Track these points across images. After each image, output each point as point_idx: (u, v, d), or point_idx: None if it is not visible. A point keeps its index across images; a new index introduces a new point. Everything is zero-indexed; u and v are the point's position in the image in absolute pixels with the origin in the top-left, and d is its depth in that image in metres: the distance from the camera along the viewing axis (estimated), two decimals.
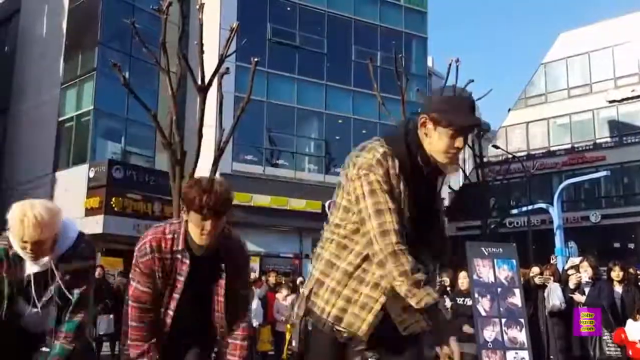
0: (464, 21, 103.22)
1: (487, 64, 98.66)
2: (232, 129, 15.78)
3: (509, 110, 32.79)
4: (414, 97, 21.84)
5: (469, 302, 7.26)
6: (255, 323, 9.23)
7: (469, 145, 28.34)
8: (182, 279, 2.53)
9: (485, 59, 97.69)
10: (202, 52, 14.72)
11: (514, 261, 7.24)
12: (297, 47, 22.96)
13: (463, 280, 7.62)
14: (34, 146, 20.75)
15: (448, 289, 8.37)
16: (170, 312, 2.58)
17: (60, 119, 20.40)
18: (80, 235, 2.80)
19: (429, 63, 27.97)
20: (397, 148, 2.20)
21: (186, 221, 2.48)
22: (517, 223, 27.22)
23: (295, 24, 23.21)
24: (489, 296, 6.99)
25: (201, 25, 15.11)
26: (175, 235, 2.51)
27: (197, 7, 15.54)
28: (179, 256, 2.51)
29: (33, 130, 21.01)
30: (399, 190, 2.13)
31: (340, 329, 2.17)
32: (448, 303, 7.70)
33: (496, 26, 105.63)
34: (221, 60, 15.22)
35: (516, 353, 6.86)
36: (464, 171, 29.83)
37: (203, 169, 15.58)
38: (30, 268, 2.67)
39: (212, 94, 15.41)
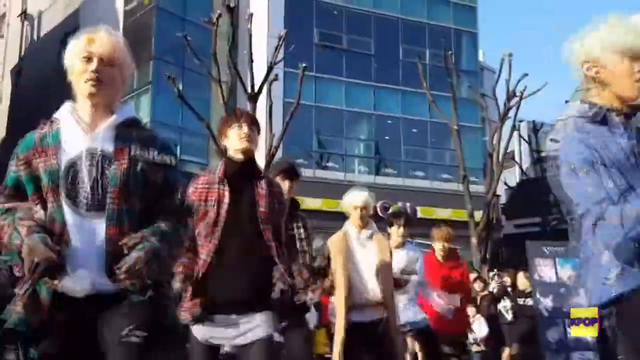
0: (514, 13, 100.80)
1: (541, 56, 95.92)
2: (282, 134, 15.98)
3: (567, 101, 31.70)
4: (465, 93, 21.48)
5: (530, 302, 7.09)
6: (310, 325, 9.29)
7: (525, 140, 27.68)
8: (223, 210, 2.58)
9: (538, 50, 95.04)
10: (251, 60, 14.99)
11: (577, 260, 6.99)
12: (345, 50, 22.99)
13: (524, 281, 7.45)
14: None
15: (509, 289, 8.20)
16: (213, 246, 2.53)
17: None
18: None
19: (480, 58, 27.41)
20: None
21: (224, 155, 2.76)
22: None
23: (342, 27, 23.25)
24: (551, 296, 6.80)
25: (250, 34, 15.38)
26: (212, 170, 2.74)
27: (247, 17, 15.85)
28: (218, 186, 2.63)
29: None
30: None
31: None
32: (509, 304, 7.54)
33: (548, 15, 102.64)
34: (270, 68, 15.44)
35: (581, 354, 6.64)
36: (520, 167, 29.08)
37: None
38: (76, 145, 1.85)
39: (261, 101, 15.66)
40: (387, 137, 23.29)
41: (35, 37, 27.42)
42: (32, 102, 24.63)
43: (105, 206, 1.79)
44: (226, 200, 2.60)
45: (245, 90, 15.14)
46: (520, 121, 22.01)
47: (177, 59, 19.83)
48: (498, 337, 7.72)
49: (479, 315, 7.63)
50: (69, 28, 25.06)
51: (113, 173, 1.81)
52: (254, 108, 15.06)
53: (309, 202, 21.17)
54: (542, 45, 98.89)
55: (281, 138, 16.07)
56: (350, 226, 4.14)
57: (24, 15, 28.07)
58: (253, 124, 2.77)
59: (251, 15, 15.94)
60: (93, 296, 1.76)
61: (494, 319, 7.73)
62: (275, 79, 15.83)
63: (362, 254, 4.06)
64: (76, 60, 1.93)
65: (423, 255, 5.22)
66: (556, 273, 6.89)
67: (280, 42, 15.86)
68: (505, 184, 25.11)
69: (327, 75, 22.17)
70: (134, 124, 1.94)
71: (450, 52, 18.59)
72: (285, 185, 3.55)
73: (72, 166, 1.82)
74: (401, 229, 4.94)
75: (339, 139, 23.04)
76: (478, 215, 17.68)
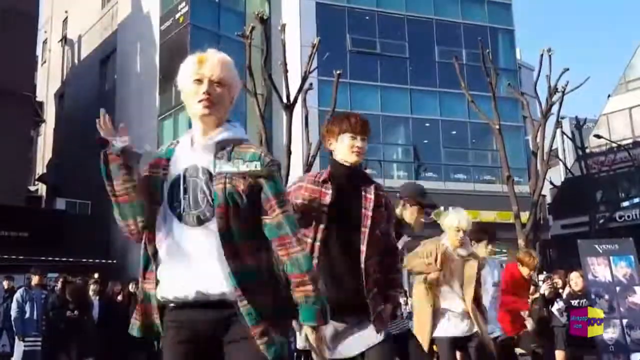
0: (551, 8, 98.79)
1: (581, 50, 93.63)
2: (319, 143, 15.98)
3: (609, 96, 30.81)
4: (504, 92, 21.09)
5: (585, 303, 6.83)
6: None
7: (569, 137, 26.97)
8: (326, 210, 2.54)
9: (578, 45, 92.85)
10: (286, 71, 15.07)
11: (632, 257, 6.75)
12: (378, 54, 22.91)
13: (577, 281, 7.17)
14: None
15: (560, 291, 7.93)
16: (317, 249, 2.49)
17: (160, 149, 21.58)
18: None
19: (517, 55, 26.92)
20: None
21: (331, 159, 2.72)
22: (629, 216, 25.37)
23: (375, 31, 23.19)
24: (607, 296, 6.56)
25: (284, 45, 15.47)
26: (319, 173, 2.71)
27: (279, 28, 15.97)
28: (323, 188, 2.60)
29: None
30: None
31: None
32: (562, 306, 7.27)
33: (587, 9, 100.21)
34: (305, 77, 15.50)
35: None
36: (565, 165, 28.33)
37: None
38: (184, 160, 1.93)
39: (297, 110, 15.71)
40: (425, 141, 23.05)
41: (75, 60, 28.29)
42: (76, 123, 25.40)
43: (206, 221, 1.84)
44: (330, 200, 2.56)
45: (281, 100, 15.22)
46: (562, 118, 21.47)
47: None
48: (550, 341, 7.45)
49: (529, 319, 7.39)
50: (107, 50, 25.77)
51: (217, 190, 1.84)
52: (290, 118, 15.12)
53: None
54: (579, 40, 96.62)
55: (318, 147, 16.07)
56: (447, 242, 4.34)
57: (64, 40, 29.01)
58: (366, 134, 2.70)
59: (284, 25, 16.06)
60: (198, 302, 1.82)
61: (545, 322, 7.47)
62: (310, 87, 15.87)
63: (456, 269, 4.23)
64: (188, 82, 2.01)
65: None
66: (611, 271, 6.65)
67: (314, 51, 15.90)
68: (551, 182, 24.48)
69: (361, 81, 22.12)
70: (237, 141, 1.97)
71: (487, 50, 18.31)
72: (413, 211, 3.65)
73: (177, 181, 1.90)
74: (489, 247, 5.14)
75: (377, 145, 22.89)
76: (524, 216, 17.25)
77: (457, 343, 4.10)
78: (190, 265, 1.81)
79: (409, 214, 3.63)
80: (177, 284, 1.82)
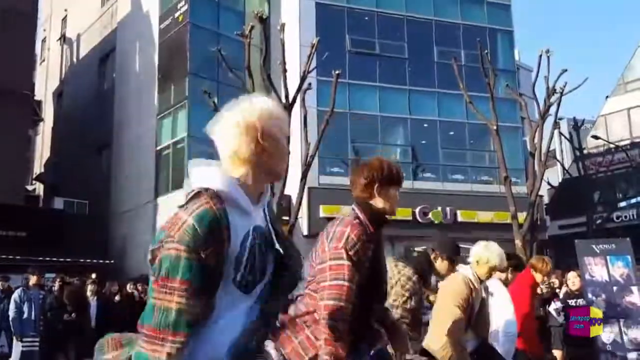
0: (550, 9, 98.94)
1: (579, 52, 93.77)
2: (318, 143, 16.01)
3: (607, 97, 30.89)
4: (502, 92, 21.13)
5: (581, 303, 6.85)
6: None
7: (566, 138, 27.01)
8: (367, 264, 2.40)
9: (577, 46, 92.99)
10: (285, 70, 15.09)
11: (629, 257, 6.76)
12: (377, 55, 22.91)
13: (574, 280, 7.20)
14: (135, 175, 22.02)
15: (557, 290, 7.95)
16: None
17: (158, 147, 21.55)
18: None
19: (516, 56, 26.95)
20: None
21: (365, 204, 2.50)
22: (626, 217, 25.44)
23: (374, 32, 23.19)
24: (604, 296, 6.58)
25: (283, 45, 15.48)
26: (360, 221, 2.45)
27: (279, 27, 15.98)
28: (370, 242, 2.43)
29: (134, 160, 22.31)
30: None
31: None
32: (559, 305, 7.30)
33: (586, 10, 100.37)
34: (304, 77, 15.51)
35: (639, 355, 6.40)
36: (562, 165, 28.38)
37: (291, 184, 15.90)
38: (243, 225, 1.63)
39: (295, 111, 15.72)
40: (423, 142, 23.07)
41: (74, 59, 28.27)
42: (74, 122, 25.41)
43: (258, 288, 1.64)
44: (371, 255, 2.44)
45: (280, 100, 15.23)
46: (560, 118, 21.51)
47: (211, 73, 20.11)
48: (547, 341, 7.48)
49: None
50: (106, 49, 25.76)
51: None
52: (289, 118, 15.12)
53: (347, 211, 21.11)
54: (578, 42, 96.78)
55: (317, 147, 16.10)
56: (471, 273, 3.88)
57: (63, 38, 28.99)
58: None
59: (283, 25, 16.07)
60: None
61: (542, 322, 7.50)
62: (309, 87, 15.89)
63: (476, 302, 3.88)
64: (281, 139, 1.71)
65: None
66: (608, 271, 6.67)
67: (313, 51, 15.92)
68: (548, 183, 24.53)
69: (360, 81, 22.13)
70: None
71: (486, 51, 18.34)
72: (444, 266, 3.67)
73: (243, 249, 1.59)
74: (510, 275, 4.89)
75: (375, 145, 22.90)
76: (521, 217, 17.28)
77: None
78: None
79: (444, 268, 3.64)
80: None
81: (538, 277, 5.33)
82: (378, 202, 2.51)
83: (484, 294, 3.88)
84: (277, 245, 1.66)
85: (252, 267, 1.58)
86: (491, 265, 3.81)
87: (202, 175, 1.65)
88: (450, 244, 4.02)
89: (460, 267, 3.89)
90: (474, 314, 3.74)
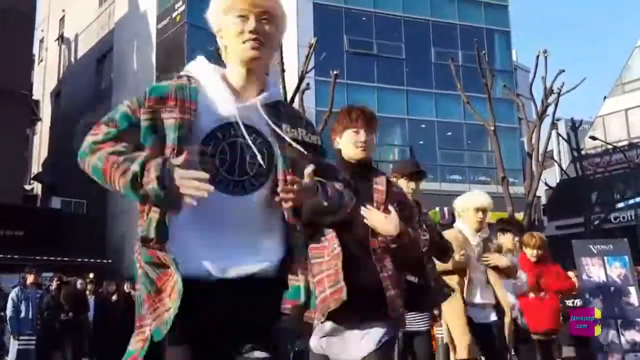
0: (547, 10, 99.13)
1: (577, 52, 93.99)
2: None
3: (605, 98, 30.94)
4: (499, 93, 21.16)
5: (578, 303, 6.87)
6: None
7: (564, 139, 27.04)
8: None
9: (574, 46, 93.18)
10: (283, 71, 15.08)
11: (626, 258, 6.78)
12: (375, 55, 22.95)
13: None
14: None
15: None
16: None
17: None
18: None
19: (513, 57, 27.01)
20: None
21: (336, 150, 2.60)
22: (624, 217, 25.48)
23: (372, 32, 23.23)
24: (601, 296, 6.59)
25: (281, 45, 15.48)
26: None
27: None
28: None
29: None
30: None
31: None
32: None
33: (583, 10, 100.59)
34: (302, 77, 15.51)
35: (635, 355, 6.43)
36: (560, 166, 28.42)
37: None
38: (225, 109, 1.58)
39: None
40: (421, 142, 23.09)
41: (72, 59, 28.25)
42: (72, 122, 25.33)
43: (254, 186, 1.54)
44: None
45: None
46: (558, 119, 21.55)
47: None
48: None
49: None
50: (104, 49, 25.75)
51: (282, 154, 1.58)
52: None
53: None
54: (575, 42, 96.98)
55: None
56: (465, 227, 3.97)
57: (61, 39, 28.96)
58: (370, 126, 2.56)
59: None
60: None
61: None
62: (307, 88, 15.89)
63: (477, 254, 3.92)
64: (228, 17, 1.66)
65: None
66: (605, 272, 6.69)
67: (311, 51, 15.92)
68: (546, 184, 24.55)
69: (358, 81, 22.16)
70: (280, 102, 1.72)
71: (483, 51, 18.36)
72: (409, 186, 3.55)
73: (222, 131, 1.53)
74: (516, 239, 4.99)
75: None
76: (518, 217, 17.30)
77: (478, 329, 3.78)
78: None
79: (404, 185, 3.45)
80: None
81: (528, 251, 5.47)
82: (343, 151, 2.59)
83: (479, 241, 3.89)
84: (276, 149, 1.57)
85: (224, 161, 1.52)
86: (472, 207, 3.90)
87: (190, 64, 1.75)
88: (410, 164, 3.94)
89: (457, 222, 4.03)
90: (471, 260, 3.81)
